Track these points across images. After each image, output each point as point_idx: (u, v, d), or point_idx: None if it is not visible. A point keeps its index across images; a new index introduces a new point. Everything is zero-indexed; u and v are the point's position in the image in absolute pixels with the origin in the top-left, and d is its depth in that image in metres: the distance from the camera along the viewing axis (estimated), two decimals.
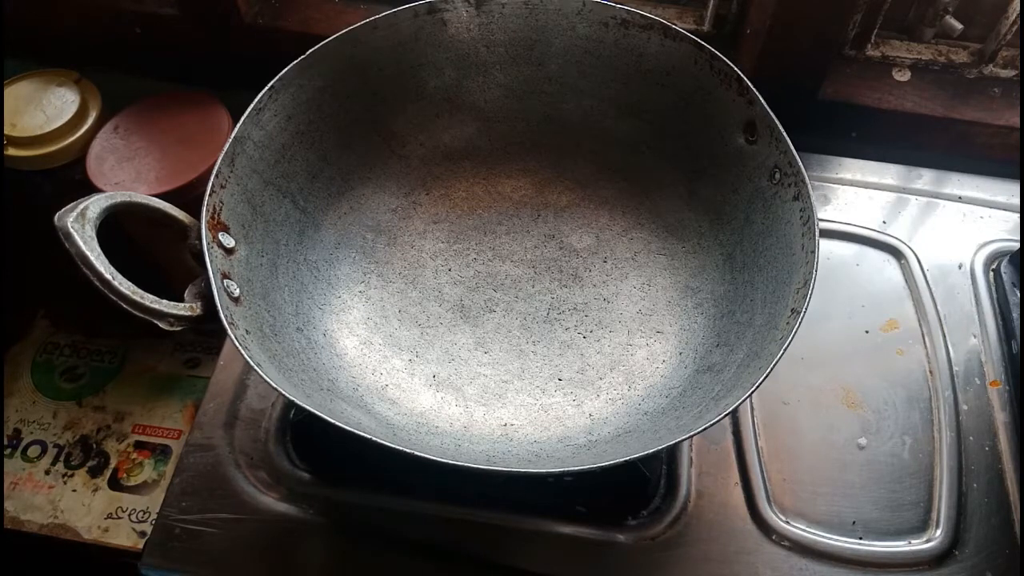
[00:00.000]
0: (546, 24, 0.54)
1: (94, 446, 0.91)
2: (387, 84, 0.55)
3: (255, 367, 0.39)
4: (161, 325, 0.40)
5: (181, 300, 0.41)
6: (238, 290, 0.44)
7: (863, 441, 0.54)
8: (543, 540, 0.50)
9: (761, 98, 0.48)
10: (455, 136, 0.58)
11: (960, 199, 0.67)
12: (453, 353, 0.53)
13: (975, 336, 0.59)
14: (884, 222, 0.65)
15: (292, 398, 0.38)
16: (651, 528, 0.51)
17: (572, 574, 0.49)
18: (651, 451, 0.39)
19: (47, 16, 0.78)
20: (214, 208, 0.44)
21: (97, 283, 0.38)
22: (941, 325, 0.59)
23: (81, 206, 0.39)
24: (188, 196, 0.71)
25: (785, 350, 0.40)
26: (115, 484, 0.88)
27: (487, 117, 0.58)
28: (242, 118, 0.47)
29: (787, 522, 0.51)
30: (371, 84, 0.54)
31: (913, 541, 0.50)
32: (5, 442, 0.91)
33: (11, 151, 0.75)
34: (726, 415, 0.40)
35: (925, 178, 0.68)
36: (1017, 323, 0.58)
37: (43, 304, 1.02)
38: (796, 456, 0.53)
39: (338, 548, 0.50)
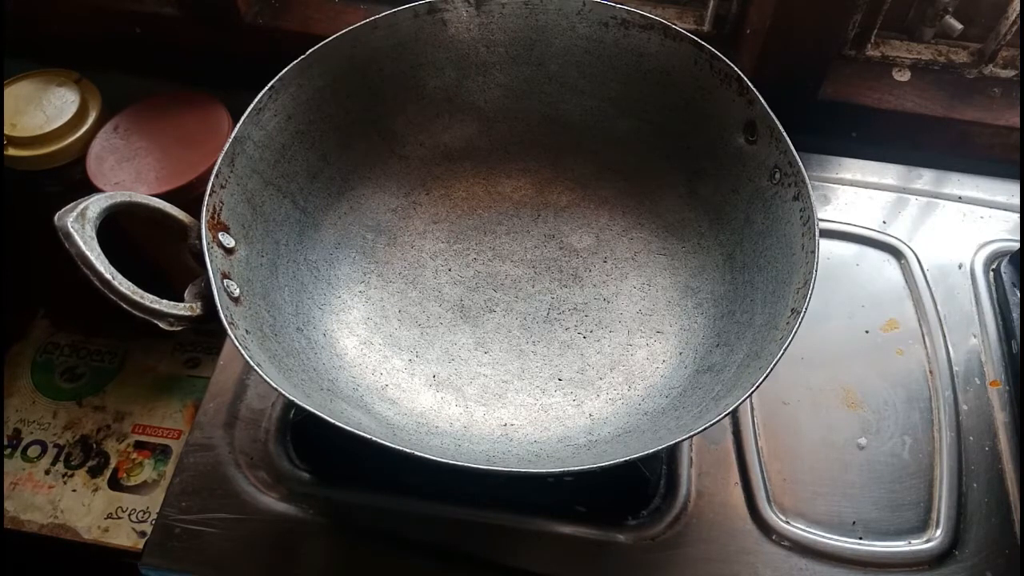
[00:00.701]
0: (546, 24, 0.54)
1: (94, 446, 0.91)
2: (387, 84, 0.55)
3: (255, 367, 0.39)
4: (161, 325, 0.40)
5: (181, 300, 0.41)
6: (238, 290, 0.44)
7: (863, 441, 0.54)
8: (543, 540, 0.51)
9: (761, 98, 0.48)
10: (455, 136, 0.58)
11: (960, 199, 0.67)
12: (453, 353, 0.53)
13: (975, 336, 0.59)
14: (884, 222, 0.65)
15: (292, 398, 0.38)
16: (651, 528, 0.51)
17: (572, 574, 0.49)
18: (651, 451, 0.39)
19: (47, 16, 0.78)
20: (214, 208, 0.44)
21: (97, 283, 0.38)
22: (941, 325, 0.59)
23: (81, 206, 0.39)
24: (188, 196, 0.71)
25: (785, 350, 0.40)
26: (115, 484, 0.88)
27: (487, 117, 0.58)
28: (242, 118, 0.47)
29: (787, 522, 0.51)
30: (371, 84, 0.54)
31: (913, 541, 0.50)
32: (5, 442, 0.91)
33: (11, 151, 0.75)
34: (726, 415, 0.40)
35: (925, 178, 0.68)
36: (1017, 323, 0.58)
37: (43, 304, 1.02)
38: (796, 456, 0.53)
39: (338, 548, 0.50)
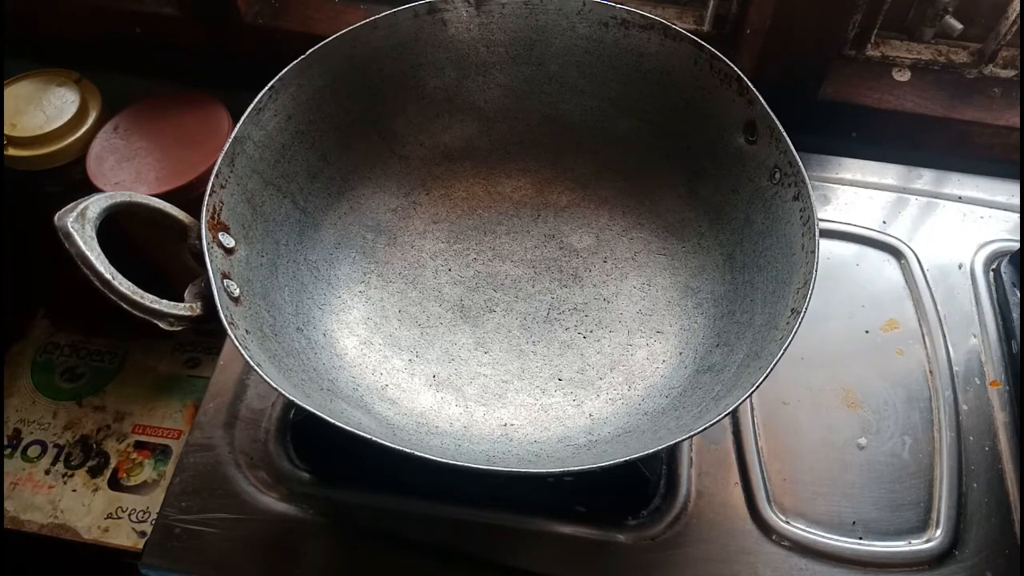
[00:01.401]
0: (546, 24, 0.54)
1: (94, 446, 0.91)
2: (387, 84, 0.55)
3: (255, 367, 0.39)
4: (161, 325, 0.40)
5: (181, 300, 0.41)
6: (238, 290, 0.44)
7: (863, 441, 0.54)
8: (543, 540, 0.51)
9: (761, 98, 0.48)
10: (455, 136, 0.58)
11: (960, 199, 0.67)
12: (453, 353, 0.53)
13: (975, 336, 0.59)
14: (884, 222, 0.65)
15: (292, 398, 0.38)
16: (651, 528, 0.51)
17: (572, 574, 0.49)
18: (651, 451, 0.39)
19: (47, 16, 0.78)
20: (214, 208, 0.44)
21: (97, 283, 0.38)
22: (941, 325, 0.59)
23: (81, 206, 0.39)
24: (188, 196, 0.71)
25: (785, 350, 0.40)
26: (115, 484, 0.88)
27: (487, 117, 0.58)
28: (242, 118, 0.47)
29: (787, 522, 0.51)
30: (371, 84, 0.54)
31: (913, 541, 0.50)
32: (5, 442, 0.91)
33: (11, 151, 0.75)
34: (726, 415, 0.40)
35: (925, 178, 0.68)
36: (1017, 323, 0.58)
37: (43, 304, 1.02)
38: (796, 456, 0.53)
39: (338, 548, 0.50)
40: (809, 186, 0.45)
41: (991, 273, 0.62)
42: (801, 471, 0.53)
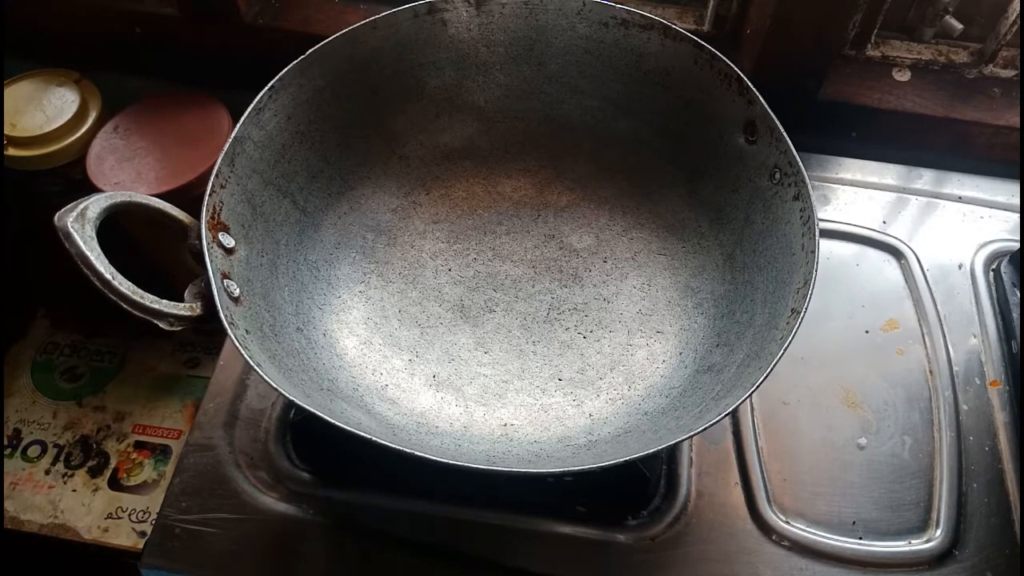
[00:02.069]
0: (546, 24, 0.54)
1: (94, 446, 0.91)
2: (387, 84, 0.55)
3: (255, 367, 0.39)
4: (161, 325, 0.40)
5: (181, 300, 0.41)
6: (238, 290, 0.44)
7: (863, 441, 0.54)
8: (543, 540, 0.50)
9: (761, 98, 0.48)
10: (455, 136, 0.58)
11: (960, 199, 0.67)
12: (453, 353, 0.53)
13: (975, 336, 0.59)
14: (884, 222, 0.65)
15: (292, 398, 0.38)
16: (651, 528, 0.51)
17: (572, 574, 0.49)
18: (651, 451, 0.39)
19: (47, 16, 0.78)
20: (214, 208, 0.44)
21: (97, 283, 0.38)
22: (941, 325, 0.59)
23: (81, 206, 0.39)
24: (188, 196, 0.71)
25: (785, 350, 0.40)
26: (115, 484, 0.88)
27: (487, 117, 0.58)
28: (242, 118, 0.47)
29: (787, 522, 0.51)
30: (371, 84, 0.54)
31: (913, 541, 0.50)
32: (5, 442, 0.91)
33: (11, 151, 0.75)
34: (726, 415, 0.40)
35: (925, 178, 0.68)
36: (1017, 323, 0.58)
37: (43, 304, 1.02)
38: (796, 456, 0.53)
39: (338, 548, 0.50)
40: (809, 186, 0.45)
41: (991, 273, 0.62)
42: (801, 471, 0.53)
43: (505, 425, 0.50)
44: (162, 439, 0.91)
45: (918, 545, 0.50)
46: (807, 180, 0.45)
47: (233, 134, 0.46)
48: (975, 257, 0.63)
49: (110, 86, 0.80)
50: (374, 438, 0.37)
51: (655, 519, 0.51)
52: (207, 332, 0.96)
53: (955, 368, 0.57)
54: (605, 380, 0.51)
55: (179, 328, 0.41)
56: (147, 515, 0.86)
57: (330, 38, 0.50)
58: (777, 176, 0.48)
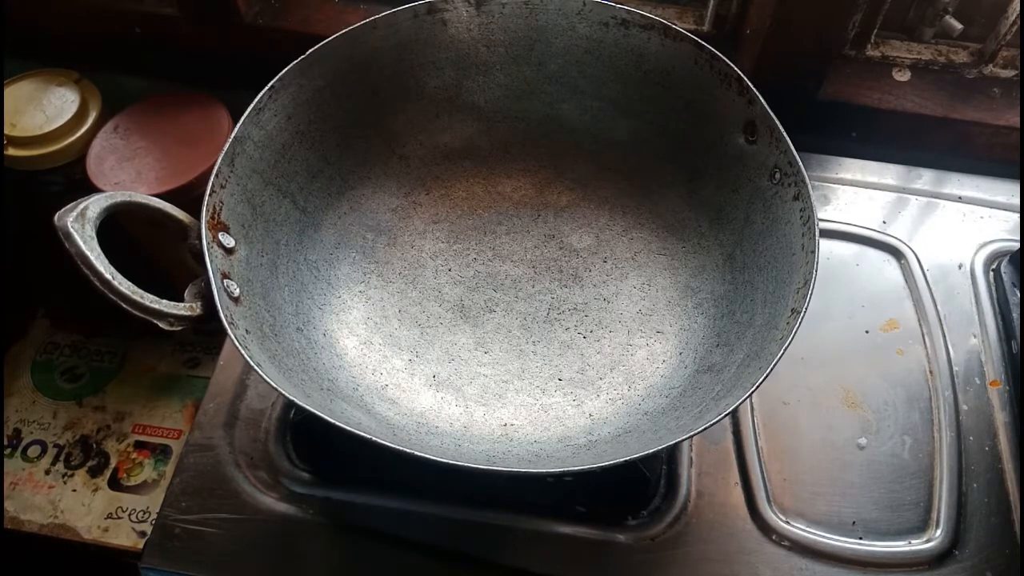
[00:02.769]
0: (546, 24, 0.54)
1: (94, 446, 0.91)
2: (387, 84, 0.55)
3: (255, 367, 0.39)
4: (161, 325, 0.40)
5: (181, 300, 0.41)
6: (238, 290, 0.44)
7: (863, 441, 0.54)
8: (543, 540, 0.51)
9: (761, 98, 0.48)
10: (455, 136, 0.58)
11: (960, 199, 0.67)
12: (453, 353, 0.53)
13: (975, 336, 0.59)
14: (884, 222, 0.65)
15: (292, 398, 0.38)
16: (651, 528, 0.51)
17: (572, 574, 0.49)
18: (651, 451, 0.39)
19: (47, 16, 0.78)
20: (214, 208, 0.44)
21: (97, 283, 0.38)
22: (941, 325, 0.59)
23: (81, 206, 0.39)
24: (188, 196, 0.71)
25: (785, 350, 0.40)
26: (115, 484, 0.88)
27: (487, 117, 0.58)
28: (242, 118, 0.47)
29: (787, 522, 0.51)
30: (371, 84, 0.54)
31: (913, 541, 0.50)
32: (5, 442, 0.91)
33: (11, 151, 0.75)
34: (726, 415, 0.40)
35: (925, 178, 0.68)
36: (1017, 323, 0.58)
37: (43, 304, 1.02)
38: (796, 456, 0.53)
39: (338, 548, 0.50)
40: (809, 186, 0.45)
41: (991, 273, 0.62)
42: (801, 471, 0.53)
43: (505, 425, 0.50)
44: (162, 439, 0.91)
45: (918, 545, 0.50)
46: (807, 180, 0.45)
47: (233, 134, 0.46)
48: (975, 257, 0.63)
49: (110, 86, 0.80)
50: (374, 438, 0.37)
51: (655, 519, 0.51)
52: (207, 332, 0.96)
53: (955, 368, 0.57)
54: (605, 380, 0.51)
55: (179, 328, 0.41)
56: (147, 515, 0.86)
57: (330, 38, 0.50)
58: (777, 176, 0.48)
